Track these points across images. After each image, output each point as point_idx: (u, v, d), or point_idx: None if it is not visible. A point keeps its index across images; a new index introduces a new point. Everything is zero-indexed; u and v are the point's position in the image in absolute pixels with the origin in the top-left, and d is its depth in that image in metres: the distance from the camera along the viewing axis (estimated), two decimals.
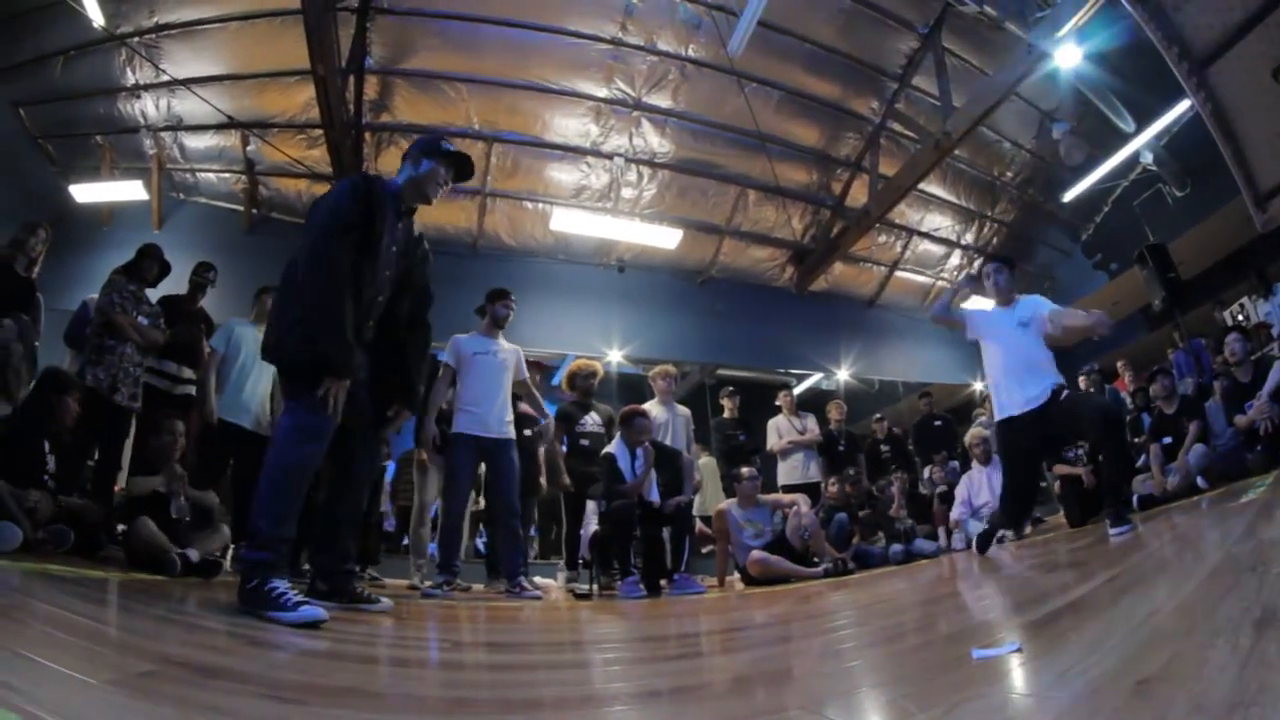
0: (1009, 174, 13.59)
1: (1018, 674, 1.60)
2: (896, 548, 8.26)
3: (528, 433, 7.10)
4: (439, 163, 3.90)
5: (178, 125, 10.12)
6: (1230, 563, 2.70)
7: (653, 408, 8.18)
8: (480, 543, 10.79)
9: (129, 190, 10.25)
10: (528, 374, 6.87)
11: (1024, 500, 6.44)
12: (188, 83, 9.28)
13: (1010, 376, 5.91)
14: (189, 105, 9.74)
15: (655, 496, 7.12)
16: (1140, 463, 8.17)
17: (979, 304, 7.56)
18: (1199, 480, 7.35)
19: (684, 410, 8.56)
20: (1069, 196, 13.45)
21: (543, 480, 7.65)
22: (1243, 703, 1.04)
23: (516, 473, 6.43)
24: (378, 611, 3.79)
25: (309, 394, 3.34)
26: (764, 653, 2.90)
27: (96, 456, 6.10)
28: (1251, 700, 1.04)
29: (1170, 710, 1.10)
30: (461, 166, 4.05)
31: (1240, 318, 11.40)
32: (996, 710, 1.38)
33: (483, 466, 6.64)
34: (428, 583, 6.40)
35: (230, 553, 6.28)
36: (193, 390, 6.63)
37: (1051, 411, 5.61)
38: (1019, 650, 1.76)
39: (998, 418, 6.13)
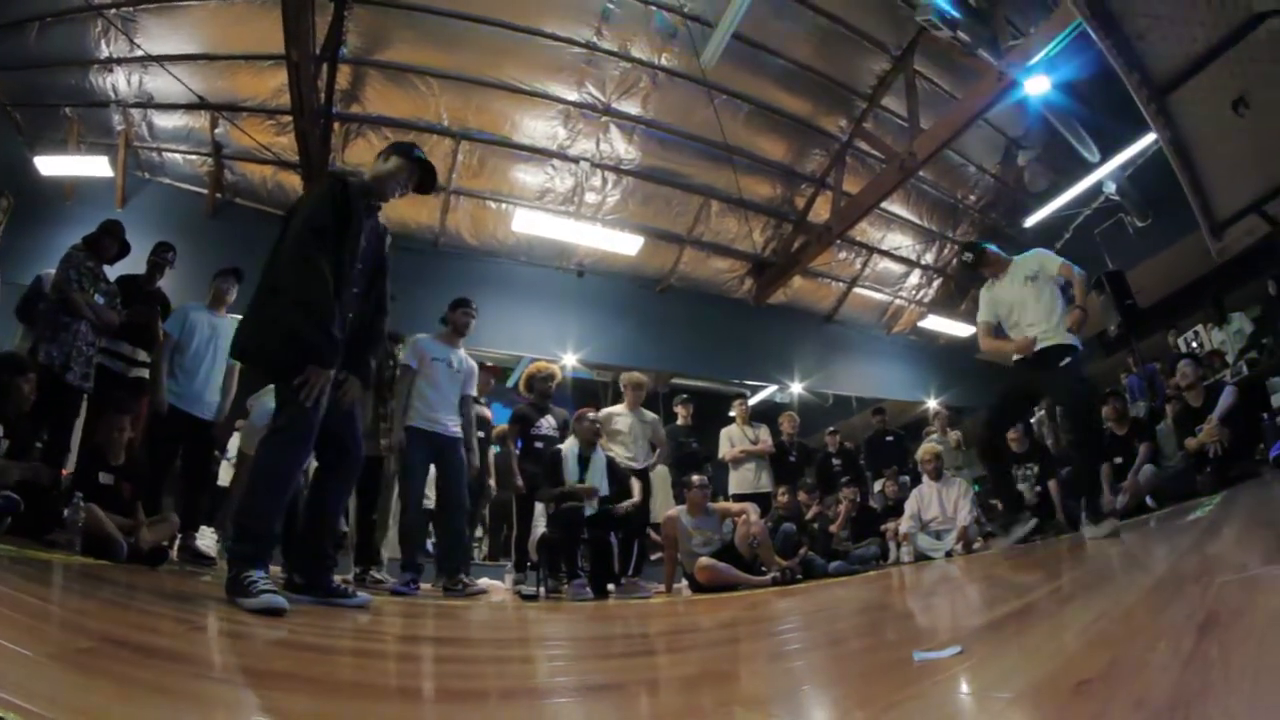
0: (972, 197, 13.78)
1: (959, 675, 1.61)
2: (837, 564, 8.36)
3: (481, 435, 7.16)
4: (405, 164, 4.05)
5: (148, 102, 9.97)
6: (1175, 574, 2.76)
7: (620, 413, 8.28)
8: (429, 543, 10.71)
9: (94, 165, 10.06)
10: (475, 391, 6.94)
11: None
12: (161, 59, 9.13)
13: None
14: (160, 83, 9.59)
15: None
16: None
17: None
18: (1148, 499, 7.50)
19: (650, 415, 8.62)
20: (1031, 222, 13.66)
21: (491, 483, 7.67)
22: (1184, 701, 1.05)
23: (465, 470, 6.52)
24: (354, 606, 3.80)
25: (294, 397, 3.42)
26: (709, 653, 2.93)
27: (45, 437, 5.94)
28: (1193, 698, 1.05)
29: (1111, 707, 1.11)
30: (425, 175, 4.17)
31: (1194, 345, 11.58)
32: (936, 708, 1.41)
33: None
34: (393, 580, 6.42)
35: (178, 542, 6.22)
36: (146, 373, 6.50)
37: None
38: (961, 653, 1.77)
39: None
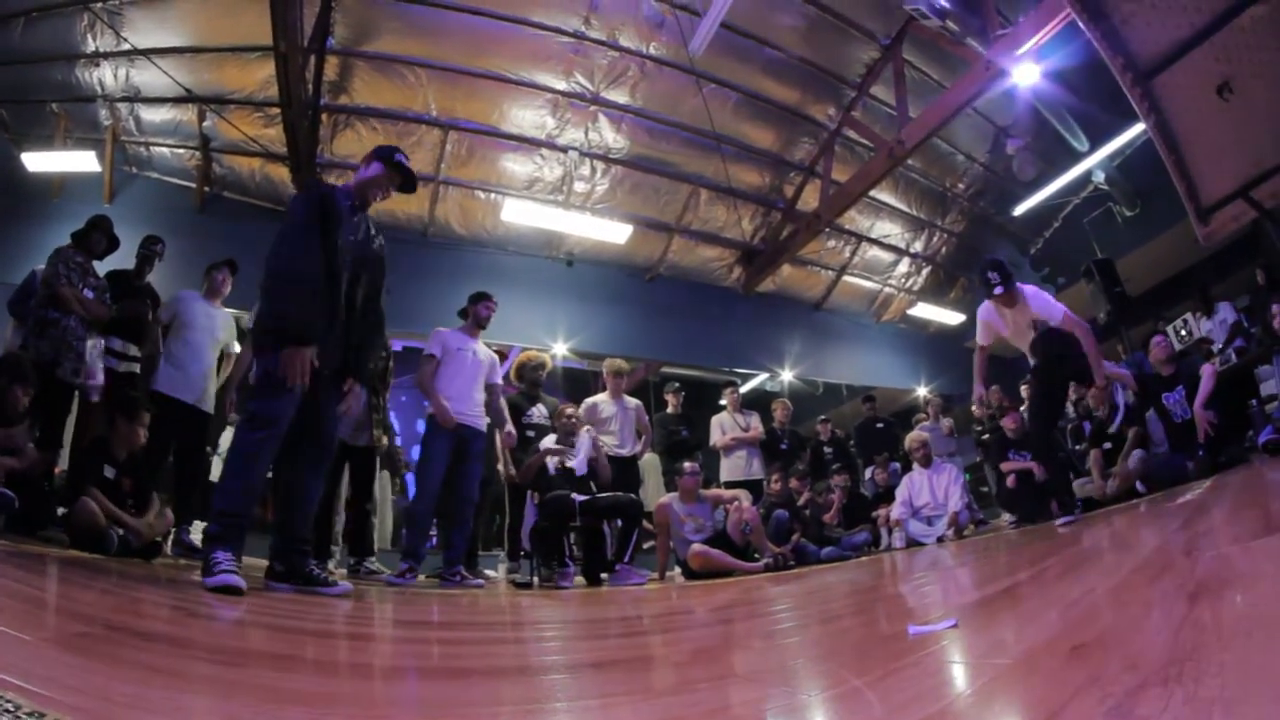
0: (961, 185, 13.78)
1: (954, 645, 1.64)
2: (829, 550, 8.40)
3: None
4: (385, 170, 4.26)
5: (135, 96, 9.88)
6: (1165, 550, 2.79)
7: (604, 401, 8.30)
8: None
9: (81, 161, 9.96)
10: (500, 380, 7.09)
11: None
12: (148, 53, 9.05)
13: None
14: (147, 76, 9.51)
15: (582, 466, 7.25)
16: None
17: None
18: (1138, 485, 7.54)
19: (634, 401, 8.64)
20: (1019, 210, 13.68)
21: (500, 468, 7.68)
22: (1176, 660, 1.07)
23: (481, 465, 6.63)
24: (334, 595, 3.85)
25: (268, 378, 3.63)
26: (704, 632, 2.96)
27: (37, 434, 5.89)
28: (1185, 658, 1.07)
29: (1105, 669, 1.13)
30: (405, 178, 4.37)
31: (1183, 333, 11.65)
32: (932, 675, 1.43)
33: None
34: (387, 572, 6.41)
35: (171, 536, 6.20)
36: (138, 368, 6.49)
37: None
38: (955, 626, 1.79)
39: None
